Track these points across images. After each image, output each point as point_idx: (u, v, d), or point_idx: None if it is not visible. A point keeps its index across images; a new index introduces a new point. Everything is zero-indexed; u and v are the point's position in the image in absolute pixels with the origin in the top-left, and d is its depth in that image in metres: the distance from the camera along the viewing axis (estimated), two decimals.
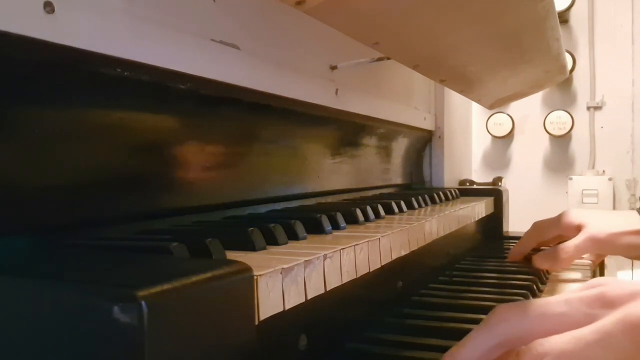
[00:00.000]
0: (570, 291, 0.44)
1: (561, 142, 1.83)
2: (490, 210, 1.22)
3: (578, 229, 0.88)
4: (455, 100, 1.41)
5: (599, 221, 0.87)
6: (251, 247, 0.47)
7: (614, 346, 0.37)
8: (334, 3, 0.48)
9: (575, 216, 0.90)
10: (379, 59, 0.86)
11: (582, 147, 1.81)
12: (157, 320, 0.27)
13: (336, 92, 0.84)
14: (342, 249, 0.49)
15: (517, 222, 1.46)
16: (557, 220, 0.94)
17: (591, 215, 0.89)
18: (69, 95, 0.46)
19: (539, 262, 0.86)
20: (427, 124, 1.29)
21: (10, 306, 0.31)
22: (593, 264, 1.01)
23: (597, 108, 1.79)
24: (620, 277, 1.58)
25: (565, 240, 0.92)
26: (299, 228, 0.55)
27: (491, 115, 1.85)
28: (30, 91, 0.42)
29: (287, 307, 0.40)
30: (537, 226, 0.98)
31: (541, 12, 0.71)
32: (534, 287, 0.82)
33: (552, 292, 0.84)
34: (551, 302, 0.42)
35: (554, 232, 0.96)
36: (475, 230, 1.19)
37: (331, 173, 0.92)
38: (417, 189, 1.27)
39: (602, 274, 1.07)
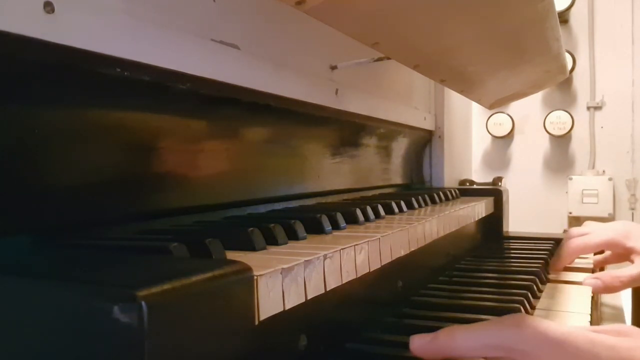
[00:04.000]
0: (594, 329, 0.42)
1: (561, 142, 1.83)
2: (490, 210, 1.22)
3: (627, 251, 0.86)
4: (455, 100, 1.41)
5: None
6: (251, 247, 0.47)
7: None
8: (334, 3, 0.48)
9: (624, 236, 0.88)
10: (379, 59, 0.86)
11: (582, 147, 1.81)
12: (157, 320, 0.27)
13: (336, 92, 0.84)
14: (342, 249, 0.49)
15: (517, 222, 1.46)
16: (603, 238, 0.91)
17: None
18: (69, 95, 0.46)
19: (593, 289, 0.82)
20: (427, 124, 1.29)
21: (10, 306, 0.31)
22: (596, 266, 1.01)
23: (597, 108, 1.79)
24: None
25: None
26: (299, 228, 0.55)
27: (491, 115, 1.85)
28: (31, 91, 0.42)
29: (287, 307, 0.40)
30: (578, 242, 0.93)
31: (541, 12, 0.71)
32: (534, 287, 0.82)
33: (552, 293, 0.84)
34: (573, 335, 0.39)
35: (598, 248, 0.94)
36: (475, 230, 1.19)
37: (331, 173, 0.92)
38: (417, 189, 1.27)
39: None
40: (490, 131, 1.87)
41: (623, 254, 0.90)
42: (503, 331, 0.40)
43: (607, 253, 0.99)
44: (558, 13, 0.83)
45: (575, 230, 0.99)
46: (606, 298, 0.95)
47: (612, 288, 0.82)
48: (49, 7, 0.40)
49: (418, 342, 0.44)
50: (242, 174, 0.70)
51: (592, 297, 0.81)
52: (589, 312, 0.72)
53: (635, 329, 0.42)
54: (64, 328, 0.29)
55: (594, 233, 0.93)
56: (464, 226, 0.96)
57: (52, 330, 0.29)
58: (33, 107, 0.43)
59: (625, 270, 0.83)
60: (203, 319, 0.31)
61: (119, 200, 0.52)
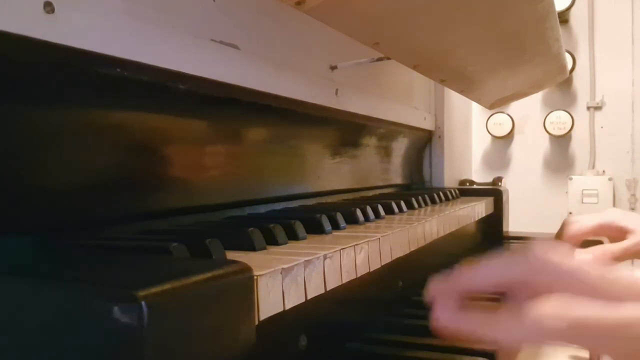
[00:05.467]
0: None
1: (561, 142, 1.83)
2: (490, 210, 1.22)
3: (622, 231, 0.85)
4: (455, 100, 1.41)
5: None
6: (251, 247, 0.47)
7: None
8: (334, 3, 0.48)
9: (617, 218, 0.87)
10: (379, 59, 0.86)
11: (582, 147, 1.81)
12: (157, 320, 0.27)
13: (336, 92, 0.84)
14: (342, 249, 0.49)
15: (517, 222, 1.46)
16: (597, 220, 0.90)
17: (637, 219, 0.87)
18: (69, 95, 0.46)
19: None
20: (427, 124, 1.29)
21: (10, 306, 0.31)
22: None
23: (597, 108, 1.79)
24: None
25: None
26: (299, 228, 0.55)
27: (491, 115, 1.85)
28: (31, 91, 0.42)
29: (287, 307, 0.40)
30: (574, 229, 0.92)
31: (541, 12, 0.71)
32: None
33: None
34: (585, 266, 0.39)
35: (593, 234, 0.94)
36: (475, 230, 1.19)
37: (331, 173, 0.92)
38: (417, 189, 1.27)
39: None
40: (490, 131, 1.87)
41: (618, 237, 0.90)
42: (518, 263, 0.39)
43: (605, 247, 0.99)
44: (558, 13, 0.83)
45: (569, 219, 0.99)
46: None
47: (603, 262, 0.82)
48: (49, 7, 0.40)
49: (435, 287, 0.43)
50: (242, 174, 0.70)
51: None
52: None
53: None
54: (63, 328, 0.29)
55: (587, 218, 0.93)
56: (464, 226, 0.96)
57: (52, 330, 0.29)
58: (33, 107, 0.43)
59: (617, 245, 0.82)
60: (203, 319, 0.31)
61: (119, 200, 0.52)
